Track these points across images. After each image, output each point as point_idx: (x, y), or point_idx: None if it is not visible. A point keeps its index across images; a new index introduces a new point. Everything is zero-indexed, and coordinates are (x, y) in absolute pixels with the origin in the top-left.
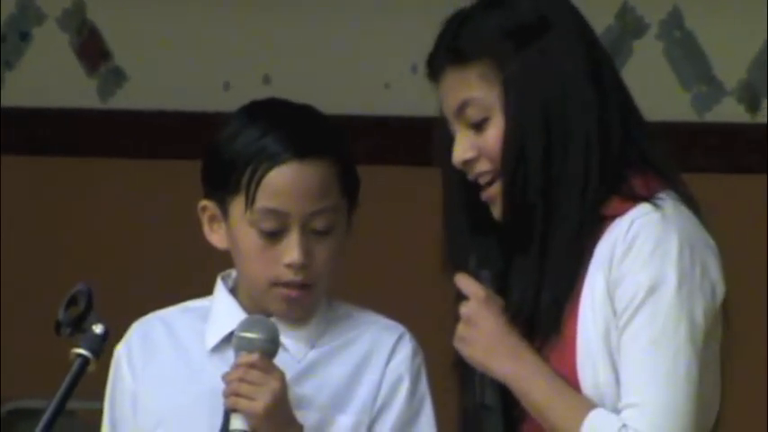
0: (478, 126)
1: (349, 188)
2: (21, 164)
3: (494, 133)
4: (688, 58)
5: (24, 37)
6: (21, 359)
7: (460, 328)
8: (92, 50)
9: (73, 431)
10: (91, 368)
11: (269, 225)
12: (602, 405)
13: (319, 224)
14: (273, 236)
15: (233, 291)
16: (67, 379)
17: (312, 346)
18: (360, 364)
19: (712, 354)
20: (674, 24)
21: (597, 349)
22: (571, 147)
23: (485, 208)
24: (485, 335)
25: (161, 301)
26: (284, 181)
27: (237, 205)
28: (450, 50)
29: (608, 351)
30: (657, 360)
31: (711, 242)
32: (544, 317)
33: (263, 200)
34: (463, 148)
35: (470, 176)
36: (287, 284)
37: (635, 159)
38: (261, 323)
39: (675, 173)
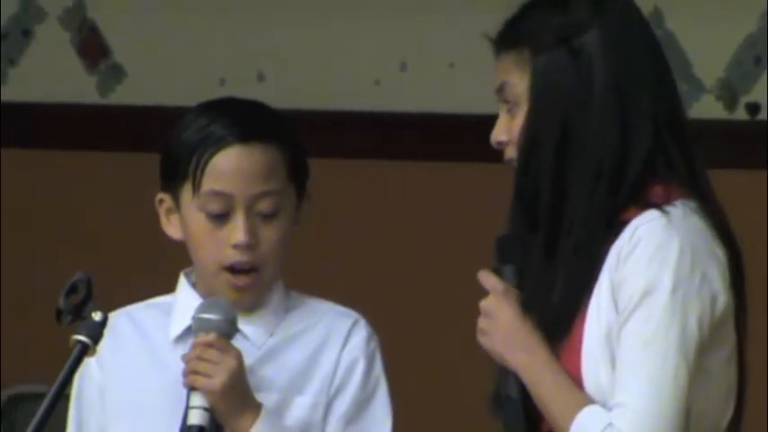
0: (511, 111)
1: (297, 175)
2: (22, 157)
3: (519, 121)
4: (668, 56)
5: (26, 34)
6: (21, 346)
7: (480, 321)
8: (92, 47)
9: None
10: (90, 354)
11: (215, 207)
12: (603, 403)
13: (264, 207)
14: (220, 218)
15: (194, 285)
16: (68, 364)
17: (271, 334)
18: (317, 348)
19: (718, 359)
20: (654, 24)
21: (599, 349)
22: (584, 150)
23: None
24: (501, 327)
25: (157, 291)
26: (228, 164)
27: (186, 192)
28: (501, 34)
29: (610, 351)
30: (646, 362)
31: (719, 252)
32: (557, 318)
33: (209, 183)
34: (498, 129)
35: (505, 159)
36: (234, 269)
37: (661, 168)
38: (218, 305)
39: (703, 182)
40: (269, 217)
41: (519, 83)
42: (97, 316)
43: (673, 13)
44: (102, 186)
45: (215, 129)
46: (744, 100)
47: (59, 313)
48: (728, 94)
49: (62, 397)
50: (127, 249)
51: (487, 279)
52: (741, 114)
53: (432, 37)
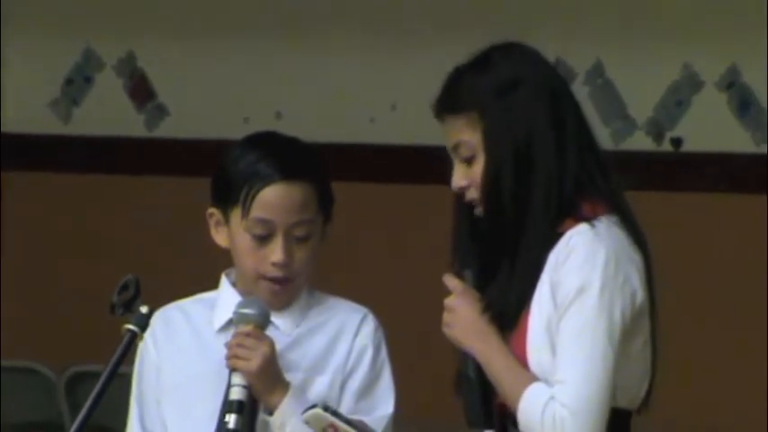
0: (468, 161)
1: (324, 205)
2: (83, 180)
3: (479, 169)
4: (607, 100)
5: (88, 80)
6: (82, 333)
7: (444, 315)
8: (140, 91)
9: (123, 390)
10: (139, 341)
11: (259, 231)
12: (546, 380)
13: (299, 232)
14: (263, 239)
15: (234, 284)
16: (120, 349)
17: (297, 325)
18: (334, 337)
19: (637, 345)
20: (596, 74)
21: (541, 337)
22: (535, 180)
23: (478, 221)
24: (462, 320)
25: (188, 288)
26: (272, 197)
27: (236, 214)
28: (446, 102)
29: (550, 339)
30: (580, 347)
31: (636, 257)
32: (508, 312)
33: (256, 211)
34: (457, 177)
35: (465, 200)
36: (271, 279)
37: (588, 188)
38: (254, 302)
39: (621, 200)
40: (302, 240)
41: (472, 138)
42: (144, 309)
43: (611, 65)
44: (147, 204)
45: (262, 167)
46: (669, 135)
47: (113, 307)
48: (656, 131)
49: (115, 376)
50: (165, 254)
51: (450, 281)
52: (667, 147)
53: (418, 83)
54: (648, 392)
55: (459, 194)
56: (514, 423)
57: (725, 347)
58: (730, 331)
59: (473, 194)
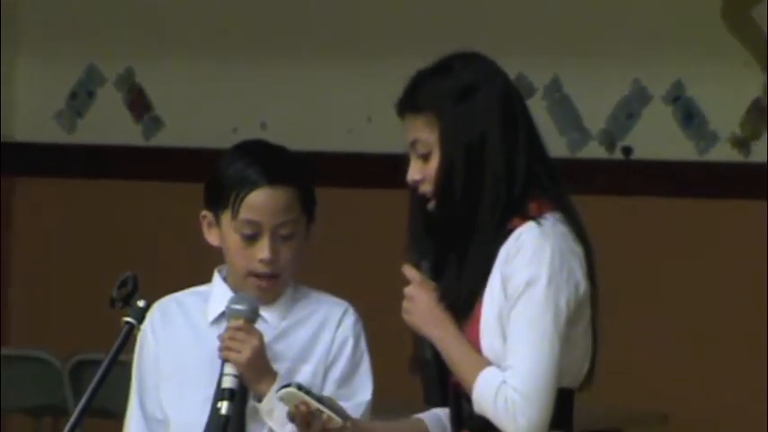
0: (425, 157)
1: (308, 207)
2: (85, 185)
3: (433, 165)
4: (564, 112)
5: (90, 94)
6: (84, 325)
7: (404, 303)
8: (138, 104)
9: (123, 377)
10: (136, 332)
11: (248, 231)
12: (497, 364)
13: (284, 231)
14: (251, 239)
15: (225, 279)
16: (119, 339)
17: (283, 318)
18: (317, 329)
19: (579, 330)
20: (554, 89)
21: (493, 325)
22: (485, 180)
23: (432, 215)
24: (420, 308)
25: (185, 282)
26: (259, 200)
27: (226, 216)
28: (407, 102)
29: (500, 327)
30: (529, 336)
31: (578, 250)
32: (462, 302)
33: (244, 213)
34: (413, 171)
35: (419, 193)
36: (259, 275)
37: (535, 189)
38: (245, 299)
39: (565, 200)
40: (286, 239)
41: (430, 137)
42: (141, 303)
43: (567, 81)
44: (144, 207)
45: (250, 173)
46: (620, 144)
47: (113, 301)
48: (608, 141)
49: (115, 364)
50: (161, 253)
51: (409, 271)
52: (618, 155)
53: (391, 97)
54: (590, 372)
55: (414, 188)
56: (468, 400)
57: (677, 343)
58: (678, 326)
59: (426, 188)
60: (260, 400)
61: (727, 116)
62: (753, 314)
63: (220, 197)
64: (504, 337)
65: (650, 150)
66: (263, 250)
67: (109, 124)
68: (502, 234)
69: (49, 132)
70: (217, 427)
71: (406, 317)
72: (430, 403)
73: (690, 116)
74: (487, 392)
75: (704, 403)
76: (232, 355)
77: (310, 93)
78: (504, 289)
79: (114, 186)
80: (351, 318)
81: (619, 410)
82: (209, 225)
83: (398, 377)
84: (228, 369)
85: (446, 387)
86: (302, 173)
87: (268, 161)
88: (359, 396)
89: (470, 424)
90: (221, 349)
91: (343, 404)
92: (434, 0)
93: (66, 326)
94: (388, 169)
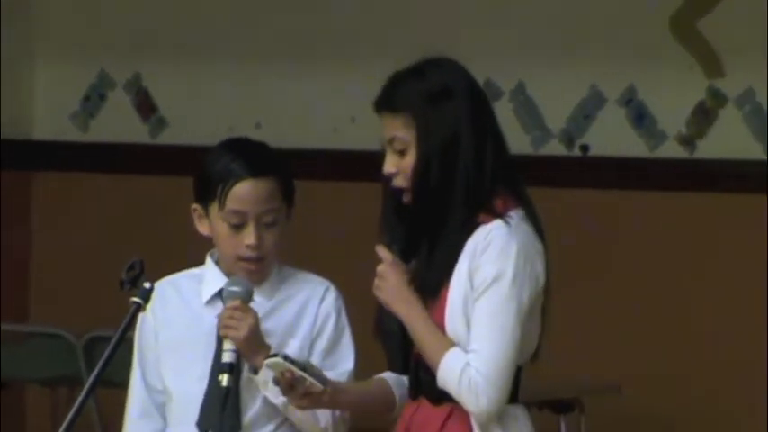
0: (401, 153)
1: (288, 195)
2: (99, 179)
3: (409, 161)
4: (528, 114)
5: (102, 97)
6: (97, 305)
7: (375, 280)
8: (145, 106)
9: (129, 352)
10: (142, 311)
11: (234, 220)
12: (460, 345)
13: (267, 219)
14: (237, 227)
15: (217, 263)
16: (127, 317)
17: (271, 297)
18: (302, 306)
19: (535, 316)
20: (519, 92)
21: (457, 311)
22: (456, 176)
23: (405, 207)
24: (390, 286)
25: (190, 266)
26: (243, 192)
27: (214, 207)
28: (385, 101)
29: (465, 312)
30: (493, 325)
31: (539, 246)
32: (430, 286)
33: (230, 204)
34: (389, 164)
35: (393, 185)
36: (246, 259)
37: (500, 185)
38: (240, 281)
39: (525, 196)
40: (270, 225)
41: (406, 135)
42: (147, 285)
43: (531, 85)
44: (150, 199)
45: (235, 167)
46: (578, 143)
47: (122, 283)
48: (568, 139)
49: (123, 340)
50: (165, 239)
51: (382, 251)
52: (576, 152)
53: (372, 99)
54: (537, 350)
55: (388, 180)
56: (426, 371)
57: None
58: (624, 304)
59: (400, 182)
60: (255, 372)
61: (674, 117)
62: (695, 299)
63: (208, 190)
64: (468, 322)
65: (605, 148)
66: (249, 237)
67: (119, 124)
68: (469, 227)
69: (65, 132)
70: (218, 397)
71: (377, 293)
72: (394, 371)
73: (641, 117)
74: (452, 372)
75: (657, 375)
76: (231, 332)
77: (300, 95)
78: (471, 279)
79: (124, 180)
80: (332, 294)
81: (575, 380)
82: (200, 217)
83: (382, 352)
84: (227, 345)
85: (408, 357)
86: (281, 165)
87: (250, 156)
88: (342, 365)
89: (428, 391)
90: (220, 327)
91: (328, 373)
92: (411, 12)
93: (80, 306)
94: (369, 165)
